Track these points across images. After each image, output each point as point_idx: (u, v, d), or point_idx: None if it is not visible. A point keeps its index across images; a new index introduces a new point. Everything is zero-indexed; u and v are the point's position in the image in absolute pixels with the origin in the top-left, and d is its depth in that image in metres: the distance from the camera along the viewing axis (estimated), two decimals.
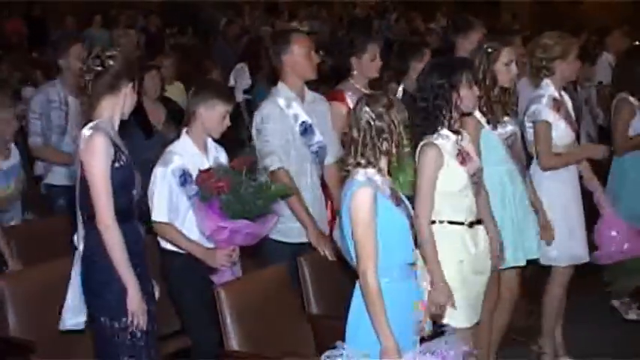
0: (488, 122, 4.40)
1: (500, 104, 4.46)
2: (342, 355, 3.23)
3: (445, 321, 3.71)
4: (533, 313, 5.09)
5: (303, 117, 4.65)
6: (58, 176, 5.56)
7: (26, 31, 13.82)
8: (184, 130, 4.27)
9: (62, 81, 5.58)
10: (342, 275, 4.10)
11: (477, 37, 5.57)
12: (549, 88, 4.85)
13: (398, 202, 3.38)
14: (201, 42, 14.35)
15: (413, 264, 3.44)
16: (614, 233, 5.09)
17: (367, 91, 5.00)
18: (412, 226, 3.44)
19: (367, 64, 5.11)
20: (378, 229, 3.25)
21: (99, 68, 3.53)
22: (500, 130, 4.44)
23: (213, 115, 4.18)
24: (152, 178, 4.09)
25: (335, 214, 4.85)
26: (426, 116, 3.82)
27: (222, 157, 4.33)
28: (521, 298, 4.85)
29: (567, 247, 4.81)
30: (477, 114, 4.31)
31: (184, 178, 4.12)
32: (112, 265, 3.48)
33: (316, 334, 4.03)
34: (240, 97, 8.77)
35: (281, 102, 4.62)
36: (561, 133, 4.83)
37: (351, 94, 5.02)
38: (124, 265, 3.48)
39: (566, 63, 4.86)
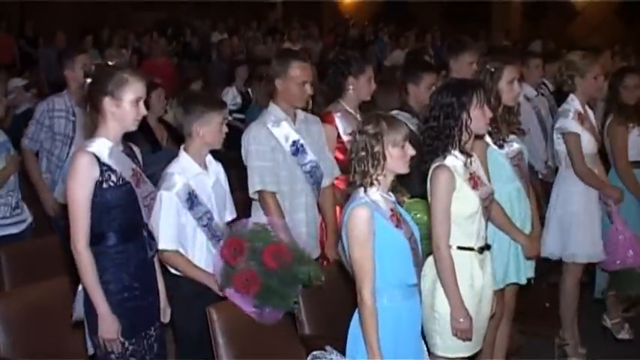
0: (494, 141, 4.43)
1: (505, 123, 4.48)
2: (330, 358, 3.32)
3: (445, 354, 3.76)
4: (523, 334, 5.09)
5: (294, 136, 4.63)
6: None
7: (17, 49, 13.85)
8: (182, 147, 4.20)
9: (69, 92, 5.57)
10: (334, 296, 4.10)
11: (469, 58, 5.62)
12: (574, 103, 5.20)
13: (398, 223, 3.39)
14: (194, 59, 14.44)
15: (415, 285, 3.48)
16: (621, 237, 5.27)
17: (353, 112, 5.03)
18: (413, 248, 3.44)
19: (364, 84, 5.07)
20: (375, 249, 3.28)
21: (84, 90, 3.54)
22: (506, 149, 4.48)
23: (211, 128, 4.12)
24: (157, 202, 3.93)
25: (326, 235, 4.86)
26: (436, 136, 3.76)
27: (222, 174, 4.29)
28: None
29: (586, 246, 5.19)
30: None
31: (192, 201, 4.06)
32: (109, 286, 3.48)
33: (309, 354, 4.00)
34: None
35: (269, 123, 4.60)
36: (585, 143, 5.15)
37: (340, 115, 5.02)
38: (94, 290, 3.45)
39: (586, 81, 5.16)
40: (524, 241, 4.46)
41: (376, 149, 3.32)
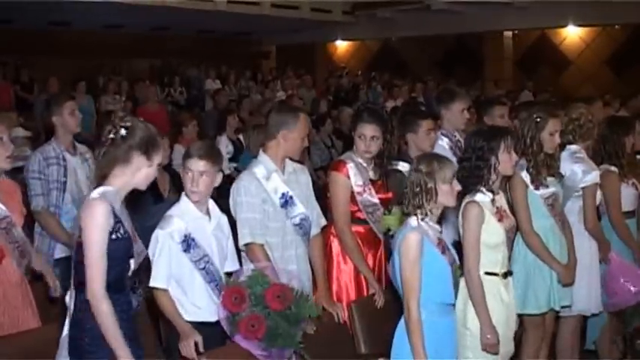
0: (532, 182, 4.85)
1: (545, 168, 4.89)
2: None
3: None
4: None
5: (283, 188, 4.59)
6: (57, 250, 5.38)
7: (13, 96, 13.89)
8: (183, 193, 4.16)
9: (57, 138, 5.51)
10: (387, 318, 4.36)
11: (460, 105, 5.75)
12: (582, 153, 5.31)
13: (444, 250, 3.93)
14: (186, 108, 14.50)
15: (453, 304, 4.00)
16: (622, 280, 5.29)
17: (364, 163, 4.98)
18: (454, 272, 3.97)
19: (358, 142, 4.94)
20: (422, 269, 3.79)
21: (112, 136, 3.43)
22: (542, 190, 4.88)
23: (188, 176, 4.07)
24: (152, 240, 3.97)
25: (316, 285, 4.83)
26: (468, 175, 4.26)
27: (224, 222, 4.26)
28: None
29: (583, 298, 5.19)
30: (524, 175, 4.83)
31: (187, 243, 4.03)
32: (100, 333, 3.37)
33: None
34: (225, 167, 8.71)
35: (259, 174, 4.56)
36: (599, 196, 5.32)
37: (353, 166, 4.91)
38: (117, 337, 3.33)
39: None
40: (559, 269, 4.84)
41: (429, 185, 3.85)
